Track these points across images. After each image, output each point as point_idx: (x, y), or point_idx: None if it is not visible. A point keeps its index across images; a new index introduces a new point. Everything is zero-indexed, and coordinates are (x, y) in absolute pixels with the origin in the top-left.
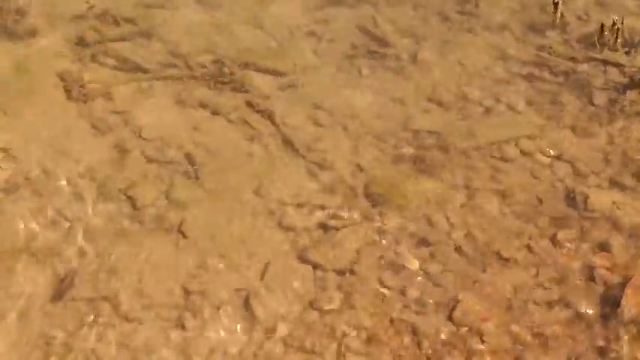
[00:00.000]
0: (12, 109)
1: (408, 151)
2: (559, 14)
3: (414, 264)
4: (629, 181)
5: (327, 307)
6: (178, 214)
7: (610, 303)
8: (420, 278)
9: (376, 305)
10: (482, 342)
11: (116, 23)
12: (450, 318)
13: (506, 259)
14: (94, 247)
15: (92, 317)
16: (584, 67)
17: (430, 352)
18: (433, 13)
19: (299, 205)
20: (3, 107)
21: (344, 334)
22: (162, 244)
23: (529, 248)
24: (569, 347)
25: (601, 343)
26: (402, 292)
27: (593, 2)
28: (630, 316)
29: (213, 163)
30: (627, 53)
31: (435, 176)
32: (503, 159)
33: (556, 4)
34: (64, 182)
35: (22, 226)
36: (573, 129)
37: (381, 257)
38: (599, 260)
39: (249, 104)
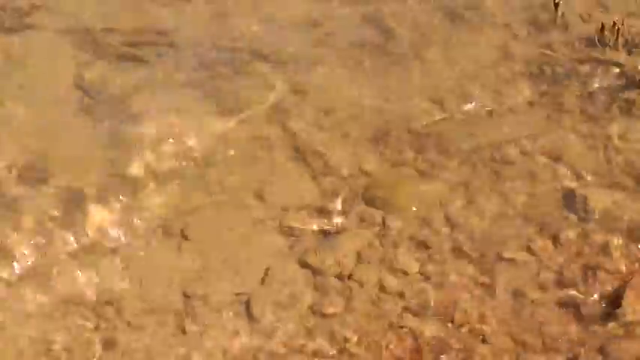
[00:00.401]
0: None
1: (409, 151)
2: (560, 13)
3: (414, 267)
4: (629, 181)
5: (327, 312)
6: (181, 217)
7: (610, 304)
8: (419, 281)
9: (376, 309)
10: (484, 343)
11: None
12: (451, 321)
13: (507, 260)
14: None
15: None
16: (585, 66)
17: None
18: (438, 9)
19: (299, 208)
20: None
21: (345, 339)
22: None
23: (529, 249)
24: (570, 348)
25: (601, 344)
26: (402, 296)
27: (594, 2)
28: (630, 317)
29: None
30: (628, 53)
31: (436, 177)
32: (504, 159)
33: (557, 4)
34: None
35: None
36: (574, 129)
37: (382, 260)
38: (599, 261)
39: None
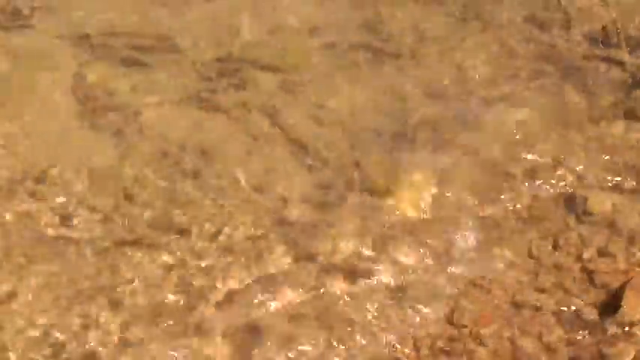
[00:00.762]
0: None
1: (408, 147)
2: (562, 11)
3: (411, 260)
4: (630, 182)
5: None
6: (178, 212)
7: (610, 305)
8: (417, 274)
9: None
10: (482, 345)
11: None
12: (449, 320)
13: (506, 262)
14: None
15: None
16: (587, 64)
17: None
18: (436, 9)
19: (298, 202)
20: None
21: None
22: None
23: (529, 251)
24: (570, 349)
25: (601, 345)
26: (399, 289)
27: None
28: (630, 318)
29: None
30: (631, 51)
31: (436, 175)
32: (504, 159)
33: (559, 1)
34: (62, 178)
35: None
36: (575, 127)
37: (380, 252)
38: (599, 262)
39: (250, 101)
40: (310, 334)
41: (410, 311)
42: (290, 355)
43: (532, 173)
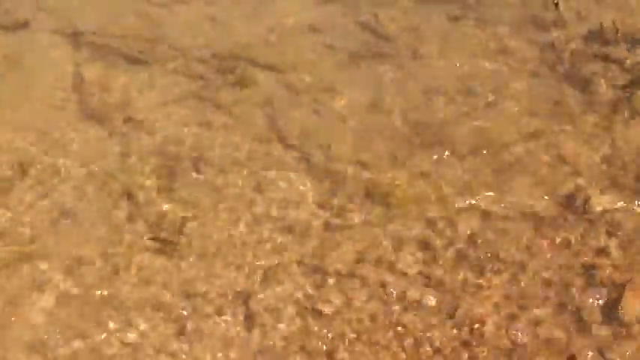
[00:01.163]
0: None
1: (410, 147)
2: (560, 11)
3: (415, 266)
4: (630, 181)
5: (326, 309)
6: (178, 211)
7: (610, 305)
8: (421, 280)
9: (377, 307)
10: (482, 344)
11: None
12: (451, 319)
13: (506, 262)
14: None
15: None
16: (585, 64)
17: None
18: (434, 9)
19: (299, 204)
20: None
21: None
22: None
23: (529, 250)
24: (570, 348)
25: (601, 344)
26: (403, 294)
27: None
28: (630, 317)
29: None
30: (629, 50)
31: (437, 174)
32: (504, 159)
33: (556, 2)
34: (62, 177)
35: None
36: (574, 126)
37: (382, 258)
38: (599, 262)
39: (249, 100)
40: None
41: None
42: None
43: (533, 172)
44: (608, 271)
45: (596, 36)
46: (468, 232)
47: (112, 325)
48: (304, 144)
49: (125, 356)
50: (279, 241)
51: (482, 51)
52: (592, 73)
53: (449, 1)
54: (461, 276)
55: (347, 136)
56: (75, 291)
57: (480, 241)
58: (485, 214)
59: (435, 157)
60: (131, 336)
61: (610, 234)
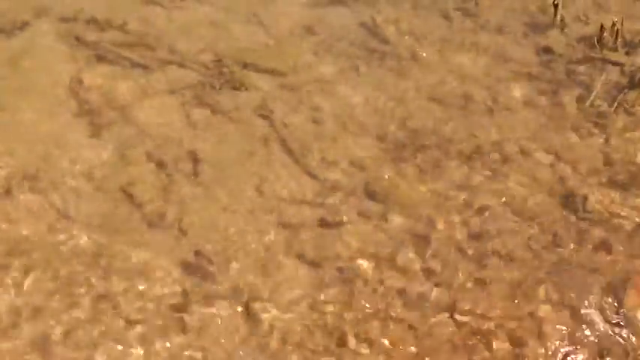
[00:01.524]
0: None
1: (408, 151)
2: (559, 15)
3: (415, 265)
4: (628, 181)
5: (326, 307)
6: (177, 212)
7: (610, 304)
8: (421, 278)
9: (377, 304)
10: (483, 343)
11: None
12: (451, 316)
13: (506, 258)
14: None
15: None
16: (584, 67)
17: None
18: (433, 12)
19: (298, 204)
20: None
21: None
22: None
23: (529, 248)
24: (569, 348)
25: (602, 344)
26: (403, 291)
27: (592, 3)
28: (631, 317)
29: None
30: (627, 54)
31: (435, 176)
32: (503, 159)
33: (556, 5)
34: (62, 180)
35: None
36: (573, 129)
37: (381, 256)
38: (599, 261)
39: (248, 103)
40: None
41: None
42: None
43: (532, 172)
44: (608, 270)
45: (595, 40)
46: (466, 232)
47: None
48: (302, 146)
49: None
50: (276, 239)
51: (481, 54)
52: (591, 77)
53: (449, 4)
54: (460, 275)
55: (345, 138)
56: None
57: (480, 241)
58: (486, 214)
59: (433, 158)
60: None
61: (610, 233)
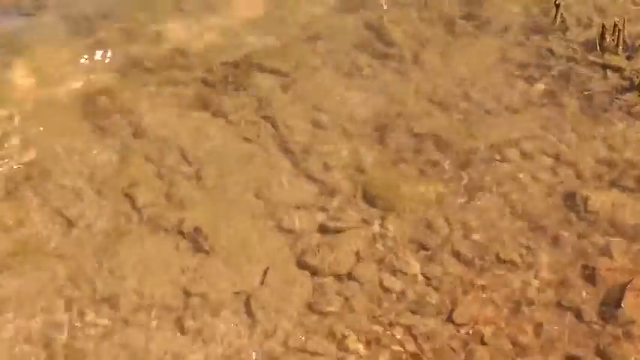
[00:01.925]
0: None
1: (409, 152)
2: (560, 18)
3: (414, 267)
4: (629, 182)
5: (326, 310)
6: (178, 215)
7: (610, 304)
8: (419, 280)
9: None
10: (482, 343)
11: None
12: (449, 320)
13: (506, 261)
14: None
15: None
16: (585, 70)
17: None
18: (436, 15)
19: (298, 207)
20: None
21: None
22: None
23: (529, 249)
24: (569, 348)
25: (601, 344)
26: (403, 295)
27: (593, 7)
28: (630, 317)
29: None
30: (628, 57)
31: (435, 177)
32: (504, 160)
33: (557, 5)
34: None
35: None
36: (574, 131)
37: (381, 260)
38: (599, 262)
39: (250, 104)
40: None
41: None
42: None
43: (533, 173)
44: (608, 271)
45: (596, 43)
46: (465, 234)
47: None
48: (304, 148)
49: None
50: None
51: (483, 57)
52: (591, 79)
53: (452, 8)
54: (460, 275)
55: (347, 140)
56: None
57: (479, 240)
58: (485, 214)
59: (434, 160)
60: None
61: (610, 234)
